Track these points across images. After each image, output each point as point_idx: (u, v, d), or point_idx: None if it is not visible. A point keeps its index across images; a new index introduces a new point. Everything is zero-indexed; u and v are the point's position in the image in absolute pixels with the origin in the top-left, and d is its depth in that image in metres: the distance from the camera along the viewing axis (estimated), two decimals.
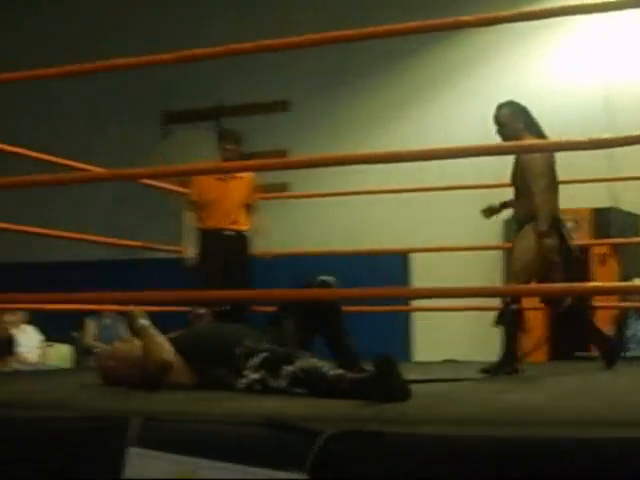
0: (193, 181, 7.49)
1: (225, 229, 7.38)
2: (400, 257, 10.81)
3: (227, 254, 7.30)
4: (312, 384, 4.17)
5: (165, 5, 12.87)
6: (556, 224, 6.00)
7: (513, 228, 6.42)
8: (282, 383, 4.22)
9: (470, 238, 9.59)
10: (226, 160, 7.22)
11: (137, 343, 4.61)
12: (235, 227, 7.42)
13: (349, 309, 6.27)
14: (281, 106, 12.18)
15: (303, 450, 2.55)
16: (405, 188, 8.57)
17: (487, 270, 10.41)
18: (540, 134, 6.02)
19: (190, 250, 7.22)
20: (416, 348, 10.80)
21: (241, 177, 7.43)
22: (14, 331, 10.25)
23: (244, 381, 4.33)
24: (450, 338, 10.32)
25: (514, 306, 5.81)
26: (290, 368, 4.23)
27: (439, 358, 8.05)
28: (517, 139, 6.01)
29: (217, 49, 3.65)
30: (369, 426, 2.63)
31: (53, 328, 10.66)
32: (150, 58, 3.87)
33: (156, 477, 2.62)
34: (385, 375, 3.87)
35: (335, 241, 9.67)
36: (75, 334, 11.06)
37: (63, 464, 2.80)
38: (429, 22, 3.40)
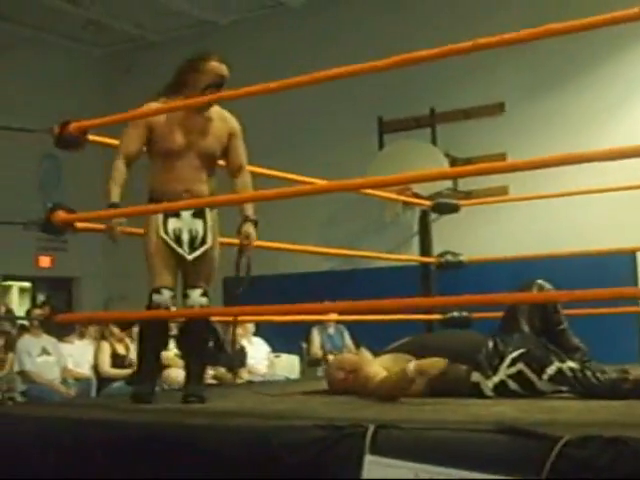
0: None
1: None
2: (627, 257, 10.46)
3: None
4: (583, 384, 4.16)
5: (374, 15, 12.96)
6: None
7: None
8: (545, 380, 4.22)
9: None
10: None
11: (367, 355, 4.66)
12: None
13: (576, 312, 6.10)
14: (497, 109, 12.03)
15: (540, 456, 2.49)
16: (627, 186, 8.28)
17: None
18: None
19: None
20: None
21: None
22: (244, 343, 10.54)
23: (495, 379, 4.32)
24: None
25: None
26: (554, 367, 4.22)
27: None
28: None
29: (432, 51, 3.59)
30: (609, 431, 2.54)
31: (279, 339, 10.90)
32: (365, 66, 3.88)
33: None
34: None
35: (557, 243, 9.44)
36: (303, 345, 11.28)
37: (301, 471, 2.85)
38: None
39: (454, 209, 7.61)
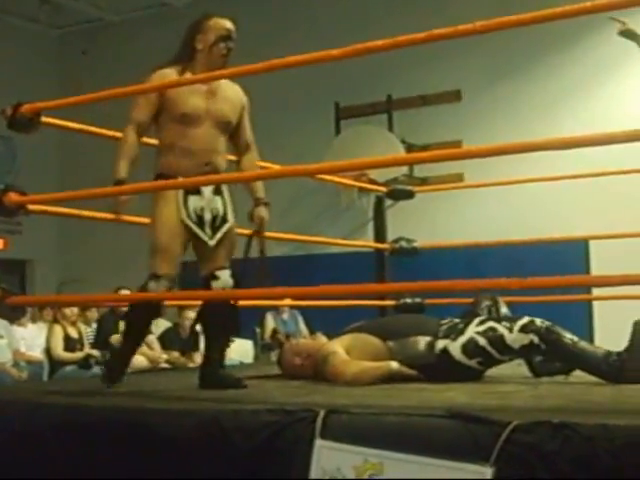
0: None
1: None
2: (580, 245, 10.56)
3: None
4: (552, 335, 4.23)
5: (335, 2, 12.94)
6: None
7: None
8: (515, 332, 4.26)
9: None
10: None
11: (322, 339, 4.69)
12: None
13: (529, 299, 6.18)
14: (454, 96, 12.07)
15: (489, 441, 2.52)
16: (581, 174, 8.36)
17: None
18: None
19: None
20: (597, 339, 10.54)
21: None
22: (198, 327, 10.50)
23: (463, 339, 4.36)
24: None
25: None
26: (526, 319, 4.28)
27: (620, 349, 7.81)
28: None
29: (387, 41, 3.62)
30: (557, 416, 2.58)
31: None
32: (321, 54, 3.90)
33: (343, 468, 2.65)
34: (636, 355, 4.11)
35: (511, 230, 9.51)
36: (257, 330, 11.28)
37: (253, 455, 2.87)
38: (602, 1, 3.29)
39: (409, 195, 7.64)
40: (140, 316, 4.43)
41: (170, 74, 4.32)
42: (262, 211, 4.53)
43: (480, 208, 11.35)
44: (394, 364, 4.33)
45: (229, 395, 3.87)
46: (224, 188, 4.43)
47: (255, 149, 4.64)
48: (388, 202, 8.31)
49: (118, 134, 5.65)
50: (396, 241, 7.38)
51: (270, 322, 11.13)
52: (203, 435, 3.00)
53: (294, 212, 12.59)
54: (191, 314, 10.28)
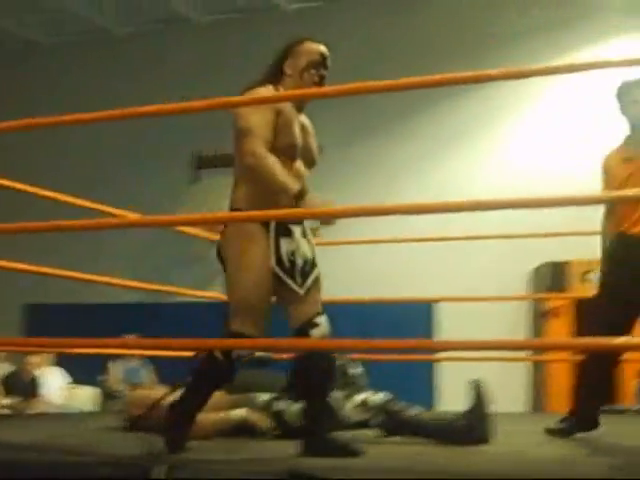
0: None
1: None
2: (425, 307, 10.79)
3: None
4: (392, 415, 4.33)
5: (194, 53, 13.01)
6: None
7: None
8: (351, 408, 4.34)
9: (496, 289, 9.56)
10: None
11: (162, 390, 4.67)
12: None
13: (373, 357, 6.28)
14: None
15: None
16: (429, 237, 8.58)
17: (513, 321, 10.38)
18: None
19: None
20: (441, 398, 10.75)
21: None
22: (39, 373, 10.28)
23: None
24: None
25: None
26: (364, 395, 4.32)
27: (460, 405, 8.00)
28: None
29: (247, 98, 3.74)
30: (394, 476, 2.64)
31: (78, 370, 10.68)
32: (180, 105, 3.95)
33: None
34: (479, 416, 4.20)
35: (360, 289, 9.66)
36: (100, 377, 11.08)
37: None
38: (450, 75, 3.43)
39: None
40: (210, 381, 3.89)
41: (268, 94, 3.88)
42: None
43: (330, 265, 11.46)
44: (242, 414, 4.37)
45: (68, 446, 3.80)
46: (307, 229, 3.96)
47: None
48: None
49: None
50: None
51: (116, 370, 10.96)
52: None
53: (147, 259, 12.49)
54: (34, 359, 10.07)
